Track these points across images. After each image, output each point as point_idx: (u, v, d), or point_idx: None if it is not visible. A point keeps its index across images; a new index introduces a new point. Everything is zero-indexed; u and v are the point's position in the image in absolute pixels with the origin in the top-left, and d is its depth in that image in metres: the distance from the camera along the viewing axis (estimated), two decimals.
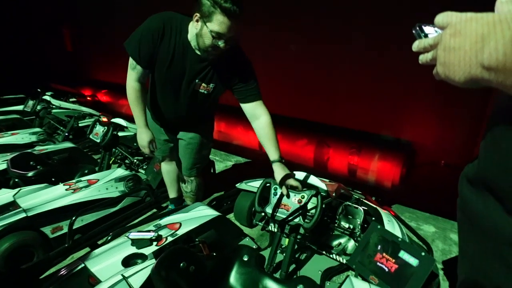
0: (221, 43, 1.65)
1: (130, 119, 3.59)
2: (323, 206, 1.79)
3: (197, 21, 1.65)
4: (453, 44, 0.51)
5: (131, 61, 1.86)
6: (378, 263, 1.83)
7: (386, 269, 1.78)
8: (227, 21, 1.57)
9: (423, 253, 1.72)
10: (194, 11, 1.64)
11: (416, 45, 0.62)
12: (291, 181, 1.84)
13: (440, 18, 0.55)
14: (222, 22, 1.57)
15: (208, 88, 1.94)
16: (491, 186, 0.60)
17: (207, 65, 1.86)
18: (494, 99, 0.61)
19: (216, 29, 1.59)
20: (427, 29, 0.61)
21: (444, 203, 2.93)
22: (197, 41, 1.72)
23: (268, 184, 1.96)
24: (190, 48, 1.81)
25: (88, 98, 7.41)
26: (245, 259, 1.76)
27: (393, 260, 1.79)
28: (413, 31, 0.63)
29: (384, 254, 1.84)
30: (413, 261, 1.72)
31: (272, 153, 1.90)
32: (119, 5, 6.80)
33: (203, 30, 1.63)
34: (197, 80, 1.91)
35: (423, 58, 0.61)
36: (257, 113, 1.93)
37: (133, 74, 1.89)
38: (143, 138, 2.06)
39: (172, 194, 2.76)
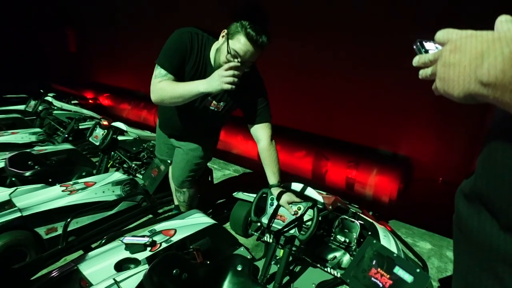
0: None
1: (130, 123, 3.61)
2: (319, 218, 1.79)
3: (222, 36, 1.69)
4: (453, 60, 0.52)
5: (158, 72, 1.74)
6: (372, 278, 1.81)
7: (381, 285, 1.76)
8: (248, 44, 1.59)
9: (418, 270, 1.71)
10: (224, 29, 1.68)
11: (417, 60, 0.63)
12: (291, 197, 1.84)
13: (441, 34, 0.56)
14: (242, 44, 1.59)
15: (218, 106, 1.95)
16: (487, 202, 0.60)
17: None
18: (492, 116, 0.62)
19: (234, 47, 1.61)
20: (428, 45, 0.62)
21: (441, 220, 2.92)
22: (215, 56, 1.74)
23: (264, 194, 1.96)
24: (211, 66, 1.81)
25: (90, 101, 7.43)
26: (239, 268, 1.75)
27: (388, 276, 1.77)
28: (414, 47, 0.64)
29: (379, 269, 1.82)
30: (408, 277, 1.71)
31: (270, 177, 1.92)
32: (124, 8, 6.86)
33: (223, 46, 1.66)
34: (209, 98, 1.91)
35: (423, 73, 0.62)
36: (258, 135, 1.94)
37: (160, 79, 1.74)
38: (218, 75, 1.60)
39: (176, 200, 2.73)
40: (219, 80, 1.58)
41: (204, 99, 1.91)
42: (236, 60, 1.63)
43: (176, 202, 2.71)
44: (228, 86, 1.57)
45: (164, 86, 1.73)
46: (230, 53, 1.62)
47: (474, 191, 0.64)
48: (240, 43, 1.59)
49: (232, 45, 1.61)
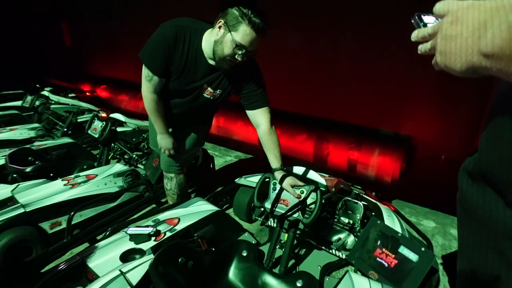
0: (239, 55, 1.63)
1: (129, 114, 3.59)
2: (323, 201, 1.79)
3: (219, 27, 1.64)
4: (453, 32, 0.50)
5: (146, 72, 1.81)
6: (377, 258, 1.82)
7: (386, 264, 1.78)
8: (253, 34, 1.57)
9: (423, 248, 1.72)
10: (219, 17, 1.63)
11: (415, 35, 0.61)
12: (294, 180, 1.83)
13: (439, 6, 0.54)
14: (247, 34, 1.57)
15: (214, 94, 1.93)
16: (491, 179, 0.59)
17: (218, 73, 1.85)
18: (496, 91, 0.60)
19: (239, 39, 1.58)
20: (426, 18, 0.60)
21: (444, 198, 2.92)
22: (214, 48, 1.69)
23: (267, 179, 1.95)
24: (203, 57, 1.79)
25: (87, 93, 7.38)
26: (244, 254, 1.76)
27: (393, 256, 1.78)
28: (412, 21, 0.61)
29: (383, 249, 1.83)
30: (413, 256, 1.72)
31: (272, 161, 1.91)
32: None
33: (225, 38, 1.62)
34: (205, 84, 1.89)
35: (422, 47, 0.60)
36: (257, 121, 1.92)
37: (149, 85, 1.84)
38: (168, 142, 2.11)
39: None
40: (168, 147, 2.13)
41: (199, 87, 1.89)
42: (241, 51, 1.62)
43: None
44: (165, 151, 2.17)
45: (148, 106, 1.95)
46: (236, 45, 1.60)
47: (478, 168, 0.62)
48: (245, 34, 1.57)
49: (236, 38, 1.58)
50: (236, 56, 1.65)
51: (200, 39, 1.76)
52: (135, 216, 2.61)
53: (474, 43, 0.46)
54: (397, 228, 1.98)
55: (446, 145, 3.66)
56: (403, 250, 1.76)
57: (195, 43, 1.76)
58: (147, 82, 1.83)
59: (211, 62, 1.79)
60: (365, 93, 4.02)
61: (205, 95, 1.93)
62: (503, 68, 0.44)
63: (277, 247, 1.96)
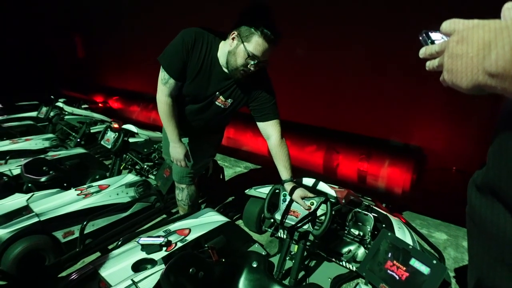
0: (252, 65, 1.68)
1: (140, 125, 3.65)
2: (333, 212, 1.79)
3: (233, 39, 1.69)
4: (459, 51, 0.51)
5: (163, 75, 1.84)
6: (388, 271, 1.80)
7: (397, 277, 1.76)
8: (265, 45, 1.62)
9: (434, 261, 1.70)
10: (232, 29, 1.69)
11: (423, 52, 0.62)
12: (304, 192, 1.84)
13: (446, 25, 0.56)
14: (260, 45, 1.62)
15: (225, 103, 1.96)
16: (499, 193, 0.59)
17: (231, 82, 1.88)
18: (502, 105, 0.61)
19: (252, 50, 1.63)
20: (434, 35, 0.61)
21: (456, 210, 2.89)
22: (228, 58, 1.74)
23: (277, 190, 1.96)
24: (218, 64, 1.83)
25: (99, 104, 7.51)
26: (254, 265, 1.76)
27: (404, 268, 1.76)
28: (420, 38, 0.63)
29: (394, 261, 1.81)
30: (424, 269, 1.69)
31: (282, 173, 1.92)
32: (131, 12, 6.91)
33: (238, 49, 1.67)
34: (217, 93, 1.92)
35: (430, 64, 0.62)
36: (268, 133, 1.95)
37: (165, 89, 1.86)
38: (179, 152, 2.04)
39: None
40: (178, 158, 2.04)
41: (212, 94, 1.93)
42: (254, 61, 1.66)
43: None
44: (177, 162, 2.09)
45: (161, 109, 1.93)
46: (249, 56, 1.65)
47: (487, 182, 0.63)
48: (257, 44, 1.62)
49: (249, 48, 1.63)
50: (248, 66, 1.69)
51: (217, 48, 1.81)
52: (146, 226, 2.64)
53: (479, 62, 0.48)
54: (408, 240, 1.96)
55: (457, 155, 3.62)
56: (415, 262, 1.74)
57: (212, 50, 1.81)
58: (163, 85, 1.86)
59: (225, 70, 1.83)
60: (375, 104, 4.02)
61: (216, 103, 1.96)
62: (507, 87, 0.45)
63: (287, 258, 1.96)
